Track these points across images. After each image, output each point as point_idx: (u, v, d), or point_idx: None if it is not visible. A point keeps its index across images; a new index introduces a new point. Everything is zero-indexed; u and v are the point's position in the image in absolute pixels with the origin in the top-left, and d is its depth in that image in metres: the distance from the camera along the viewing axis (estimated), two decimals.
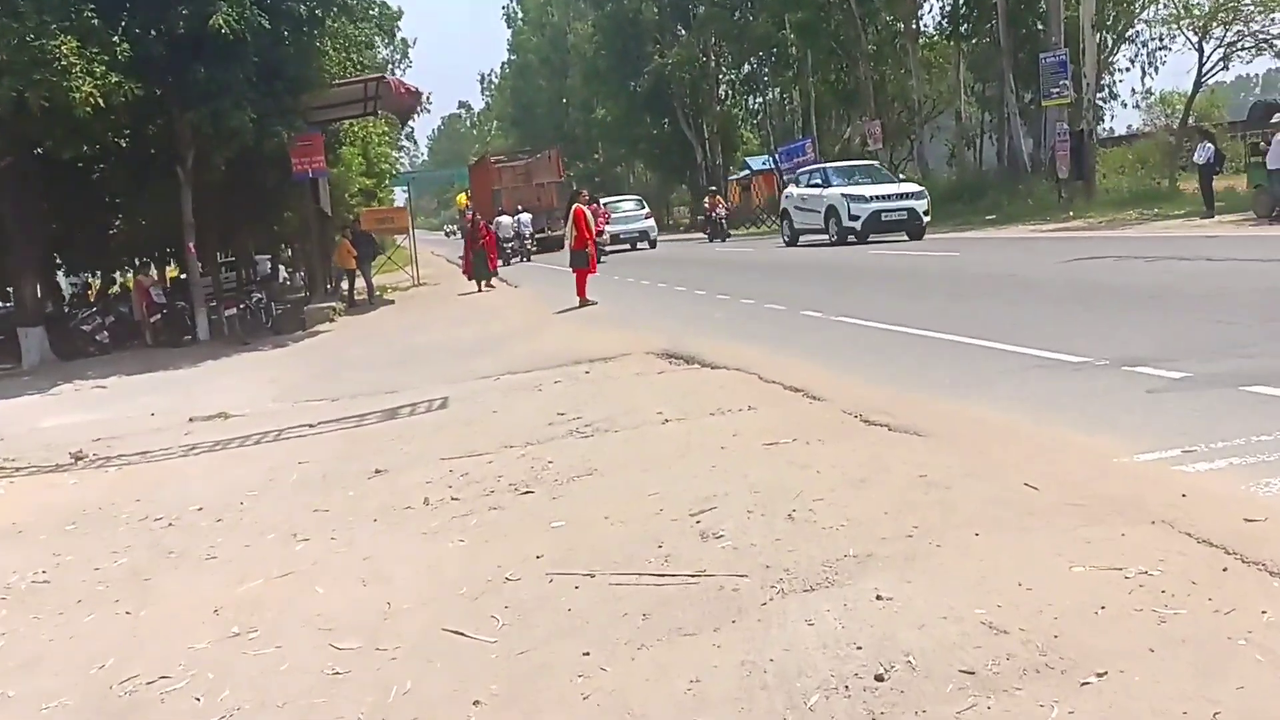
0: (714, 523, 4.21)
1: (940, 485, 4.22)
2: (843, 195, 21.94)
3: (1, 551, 5.50)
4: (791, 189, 25.49)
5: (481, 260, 21.90)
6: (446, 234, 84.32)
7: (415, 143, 75.88)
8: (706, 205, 35.36)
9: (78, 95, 13.78)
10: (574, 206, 15.93)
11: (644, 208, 33.53)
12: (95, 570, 4.97)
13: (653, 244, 31.98)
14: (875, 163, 28.49)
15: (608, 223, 29.00)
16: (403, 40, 58.20)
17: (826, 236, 22.47)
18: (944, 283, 12.78)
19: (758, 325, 10.96)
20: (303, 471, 6.71)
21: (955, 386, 6.40)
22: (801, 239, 24.22)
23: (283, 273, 32.94)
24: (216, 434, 8.73)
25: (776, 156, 43.53)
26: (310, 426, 8.47)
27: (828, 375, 7.29)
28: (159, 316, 17.76)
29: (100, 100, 14.08)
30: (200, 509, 6.01)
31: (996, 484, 4.17)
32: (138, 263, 22.10)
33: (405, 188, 39.18)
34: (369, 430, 8.04)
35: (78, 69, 13.88)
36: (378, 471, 6.35)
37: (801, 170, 26.51)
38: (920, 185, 24.09)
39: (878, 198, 21.60)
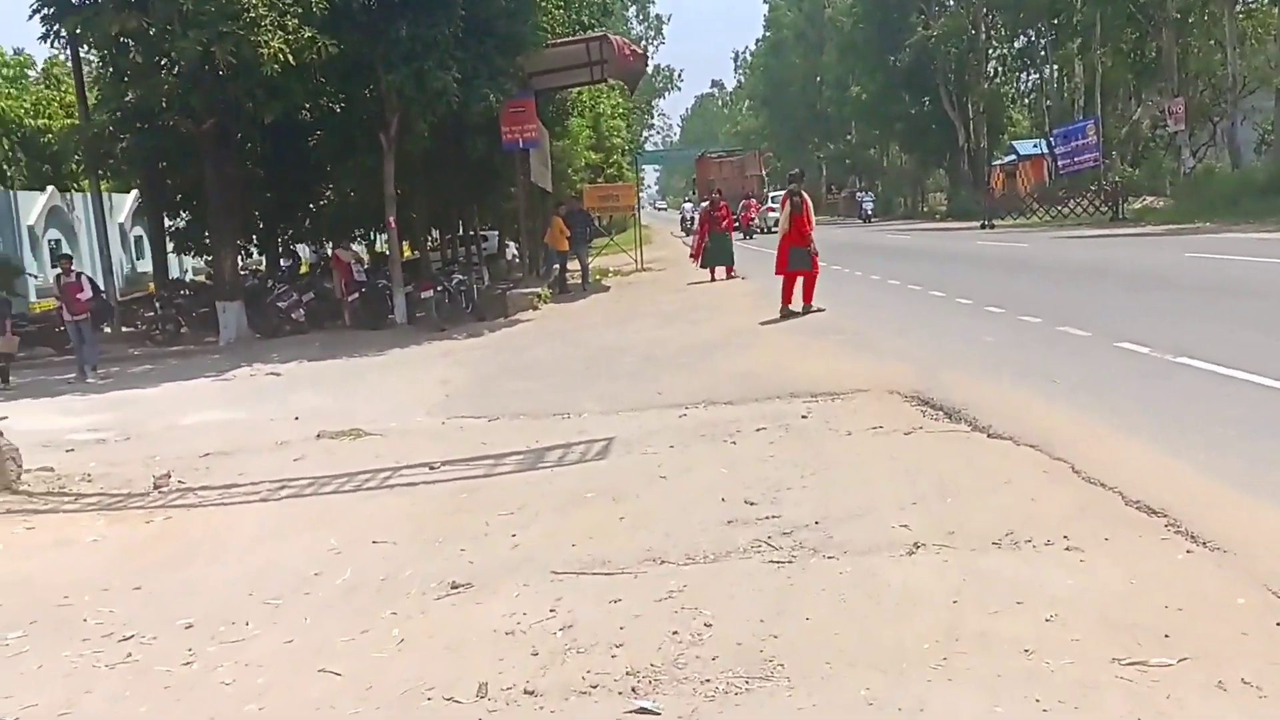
0: None
1: None
2: None
3: None
4: None
5: (720, 245, 19.12)
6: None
7: (657, 116, 73.01)
8: None
9: (266, 51, 12.62)
10: (785, 192, 13.11)
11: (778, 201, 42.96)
12: None
13: None
14: None
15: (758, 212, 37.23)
16: (656, 16, 57.16)
17: None
18: None
19: (1051, 359, 7.81)
20: (365, 564, 4.66)
21: None
22: None
23: (511, 250, 31.56)
24: (328, 463, 7.01)
25: (1051, 139, 38.30)
26: (430, 469, 6.46)
27: (1201, 480, 4.33)
28: (357, 296, 16.53)
29: (290, 57, 12.89)
30: (190, 626, 4.06)
31: None
32: (356, 234, 21.23)
33: (656, 166, 40.42)
34: (493, 486, 5.92)
35: (267, 22, 12.73)
36: (454, 588, 4.15)
37: None
38: None
39: None
